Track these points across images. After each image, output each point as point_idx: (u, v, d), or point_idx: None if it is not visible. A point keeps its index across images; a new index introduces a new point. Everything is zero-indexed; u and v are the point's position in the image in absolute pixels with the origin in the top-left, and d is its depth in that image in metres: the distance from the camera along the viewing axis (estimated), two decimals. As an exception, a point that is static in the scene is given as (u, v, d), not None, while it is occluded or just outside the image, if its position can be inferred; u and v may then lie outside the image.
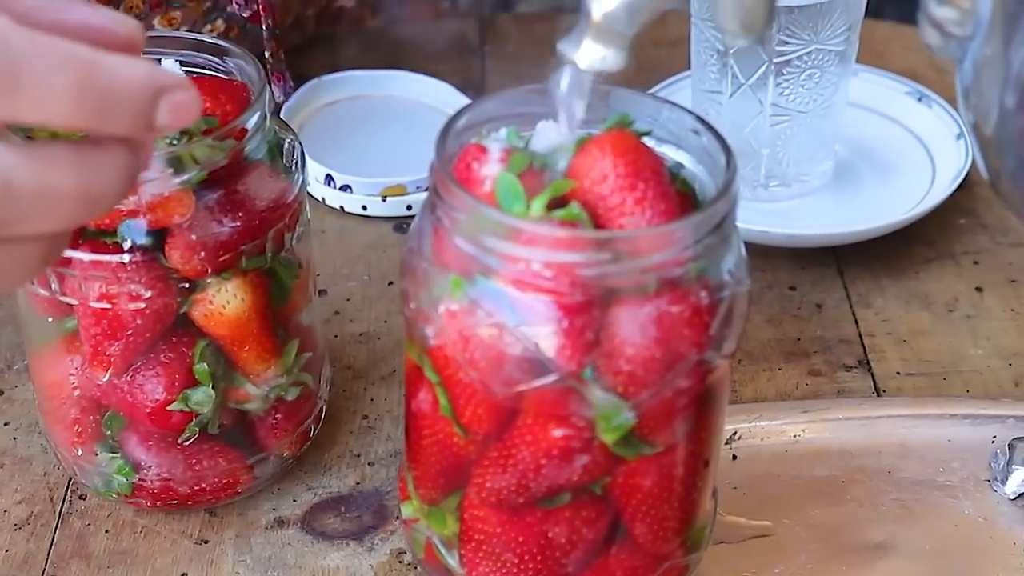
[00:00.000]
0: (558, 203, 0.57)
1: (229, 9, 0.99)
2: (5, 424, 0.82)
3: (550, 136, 0.60)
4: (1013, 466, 0.76)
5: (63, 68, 0.49)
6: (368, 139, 1.03)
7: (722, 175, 0.59)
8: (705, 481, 0.65)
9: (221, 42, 0.73)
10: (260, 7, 0.98)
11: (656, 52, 1.10)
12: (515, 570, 0.63)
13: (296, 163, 0.73)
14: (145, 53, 0.69)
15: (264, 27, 0.99)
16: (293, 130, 0.74)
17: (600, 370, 0.57)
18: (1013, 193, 0.55)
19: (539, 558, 0.62)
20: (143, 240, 0.67)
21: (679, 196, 0.59)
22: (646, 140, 0.60)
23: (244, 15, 0.99)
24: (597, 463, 0.60)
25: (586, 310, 0.56)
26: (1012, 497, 0.76)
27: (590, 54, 0.58)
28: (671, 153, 0.62)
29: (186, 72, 0.70)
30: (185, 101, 0.51)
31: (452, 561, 0.64)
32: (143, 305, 0.68)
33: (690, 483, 0.63)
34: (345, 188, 0.97)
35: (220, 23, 1.00)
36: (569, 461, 0.59)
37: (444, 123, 0.62)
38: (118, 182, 0.52)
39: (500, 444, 0.60)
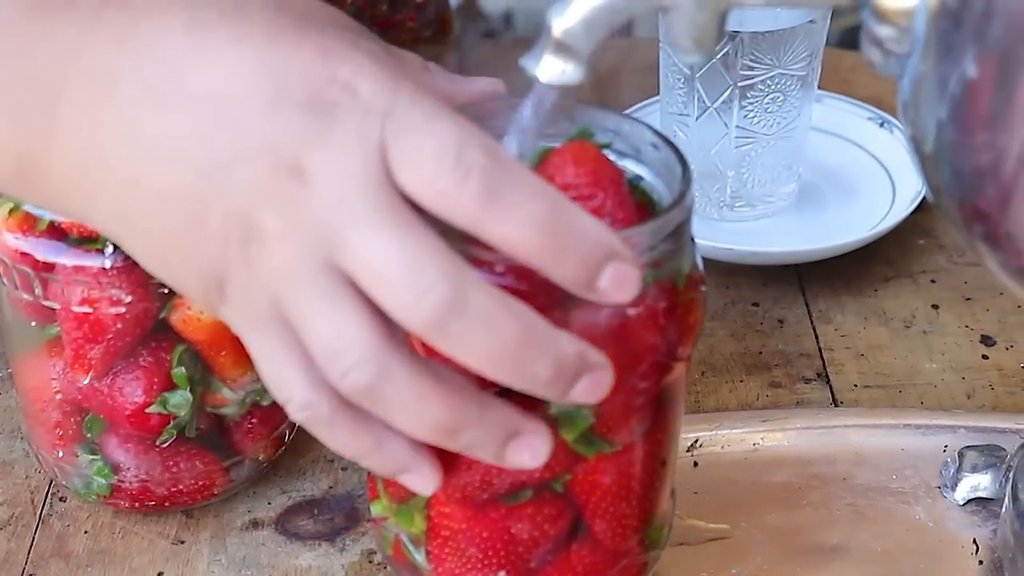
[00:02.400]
0: None
1: None
2: (-11, 429, 0.85)
3: (512, 149, 0.62)
4: (962, 473, 0.78)
5: (538, 199, 0.53)
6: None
7: (678, 185, 0.61)
8: (663, 480, 0.67)
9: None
10: None
11: (628, 77, 1.13)
12: (479, 565, 0.65)
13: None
14: None
15: None
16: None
17: None
18: (951, 206, 0.58)
19: (503, 553, 0.64)
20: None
21: (638, 206, 0.62)
22: (607, 152, 0.62)
23: None
24: (557, 460, 0.62)
25: (546, 313, 0.58)
26: (961, 503, 0.78)
27: (550, 68, 0.60)
28: (631, 166, 0.64)
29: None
30: (628, 274, 0.54)
31: (419, 558, 0.66)
32: (124, 310, 0.70)
33: (648, 482, 0.65)
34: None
35: None
36: None
37: None
38: (553, 352, 0.54)
39: None
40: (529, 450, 0.56)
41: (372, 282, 0.52)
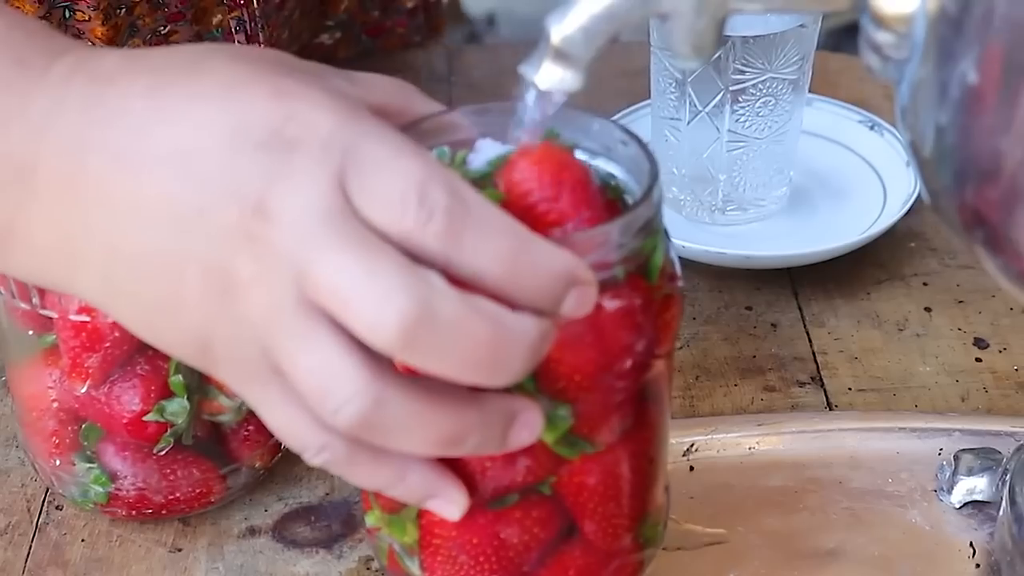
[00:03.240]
0: None
1: None
2: (-16, 438, 0.85)
3: (489, 153, 0.62)
4: (958, 477, 0.78)
5: (500, 236, 0.53)
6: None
7: (645, 181, 0.61)
8: (653, 478, 0.67)
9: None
10: (261, 46, 1.01)
11: (619, 82, 1.13)
12: (471, 572, 0.64)
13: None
14: None
15: None
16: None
17: (536, 372, 0.58)
18: (950, 210, 0.58)
19: (493, 559, 0.64)
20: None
21: (610, 204, 0.62)
22: (576, 152, 0.62)
23: None
24: (540, 463, 0.62)
25: None
26: (957, 506, 0.78)
27: (549, 75, 0.60)
28: (603, 164, 0.64)
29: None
30: (588, 297, 0.55)
31: (414, 567, 0.66)
32: (121, 318, 0.71)
33: (636, 480, 0.65)
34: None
35: None
36: (511, 463, 0.61)
37: None
38: (525, 348, 0.54)
39: None
40: (527, 428, 0.57)
41: (339, 307, 0.52)
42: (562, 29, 0.60)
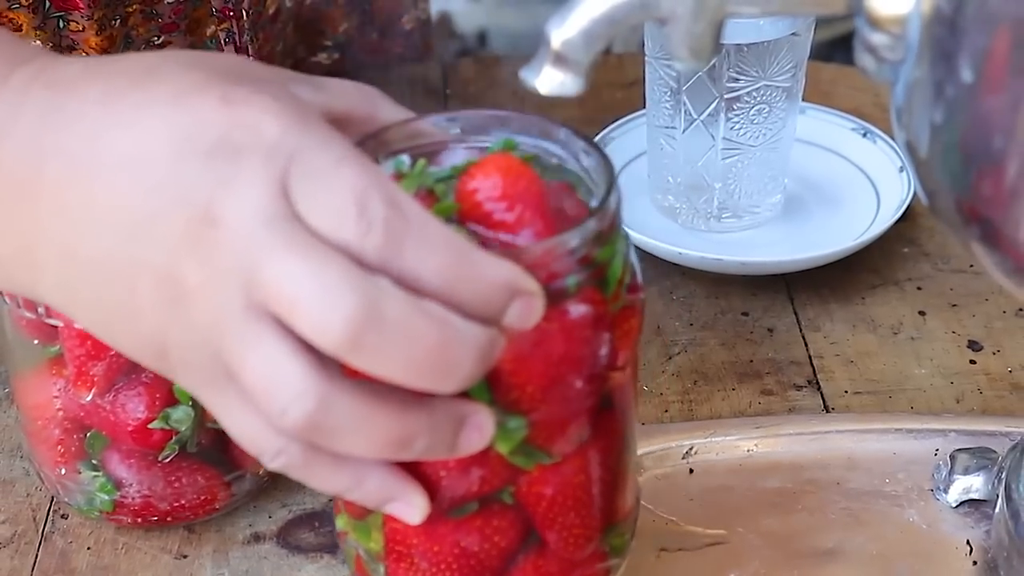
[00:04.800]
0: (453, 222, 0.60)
1: None
2: (-12, 448, 0.85)
3: (453, 161, 0.62)
4: (954, 476, 0.79)
5: (442, 249, 0.54)
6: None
7: (601, 192, 0.61)
8: (616, 488, 0.66)
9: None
10: (251, 58, 1.02)
11: (613, 93, 1.14)
12: None
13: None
14: None
15: None
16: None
17: (489, 382, 0.58)
18: (946, 209, 0.59)
19: (455, 567, 0.64)
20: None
21: (573, 211, 0.61)
22: (535, 161, 0.62)
23: None
24: (496, 473, 0.61)
25: None
26: (954, 505, 0.79)
27: (550, 80, 0.61)
28: (573, 170, 0.64)
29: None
30: (533, 307, 0.56)
31: (378, 574, 0.66)
32: (126, 326, 0.71)
33: (598, 491, 0.65)
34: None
35: None
36: (466, 472, 0.61)
37: None
38: (474, 352, 0.54)
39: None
40: (478, 431, 0.57)
41: (286, 309, 0.52)
42: (562, 33, 0.61)
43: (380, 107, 0.63)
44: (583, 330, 0.59)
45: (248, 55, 1.02)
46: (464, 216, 0.59)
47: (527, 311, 0.55)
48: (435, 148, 0.64)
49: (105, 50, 0.95)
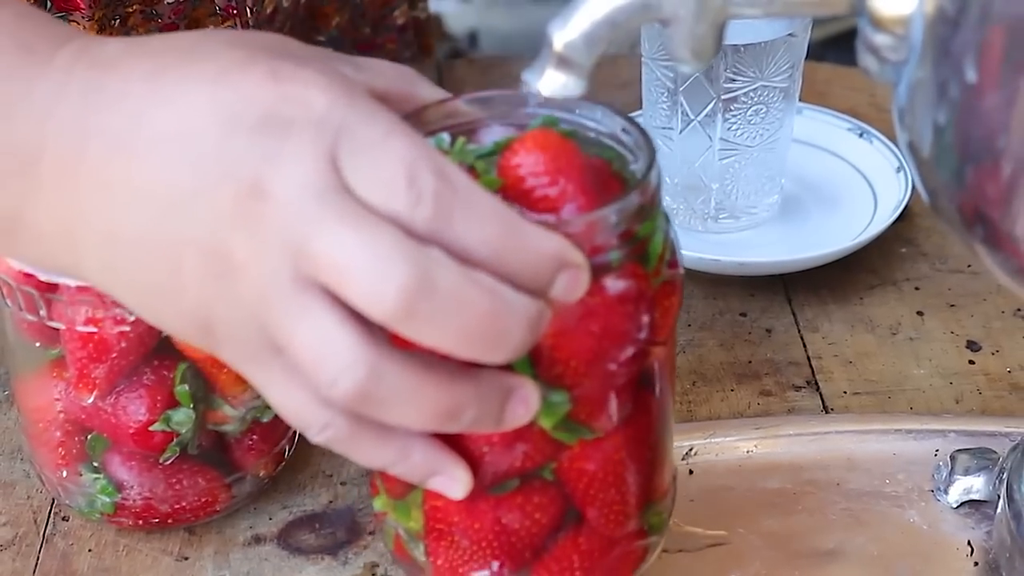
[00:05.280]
0: None
1: None
2: (-12, 450, 0.85)
3: (493, 137, 0.63)
4: (955, 477, 0.79)
5: (489, 220, 0.54)
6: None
7: (643, 167, 0.62)
8: (655, 465, 0.67)
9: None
10: None
11: (608, 93, 1.14)
12: (474, 557, 0.65)
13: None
14: None
15: None
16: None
17: (533, 357, 0.59)
18: (949, 208, 0.59)
19: (495, 544, 0.64)
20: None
21: (612, 186, 0.62)
22: (577, 137, 0.63)
23: None
24: (538, 449, 0.62)
25: None
26: (954, 506, 0.79)
27: (552, 81, 0.61)
28: (611, 146, 0.65)
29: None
30: (579, 280, 0.56)
31: (418, 553, 0.66)
32: (127, 329, 0.71)
33: (638, 467, 0.66)
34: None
35: None
36: (510, 448, 0.61)
37: None
38: (524, 323, 0.55)
39: (445, 434, 0.61)
40: (524, 404, 0.58)
41: (337, 279, 0.53)
42: (564, 35, 0.61)
43: (418, 87, 0.64)
44: (625, 305, 0.60)
45: None
46: (507, 191, 0.60)
47: (574, 283, 0.56)
48: (473, 126, 0.64)
49: None
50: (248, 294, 0.54)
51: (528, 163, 0.60)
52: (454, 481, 0.60)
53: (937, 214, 0.61)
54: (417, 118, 0.62)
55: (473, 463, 0.61)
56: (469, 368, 0.56)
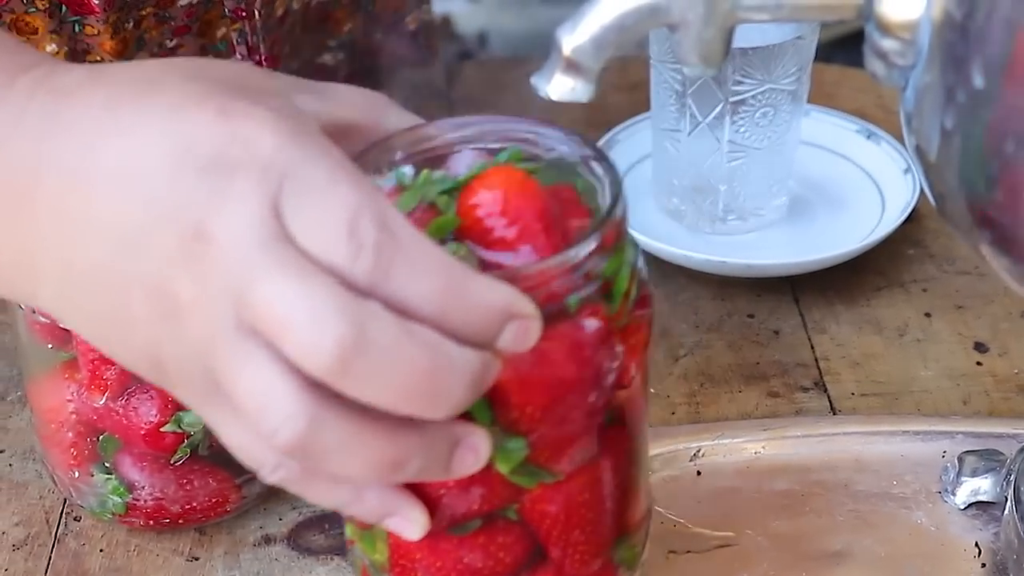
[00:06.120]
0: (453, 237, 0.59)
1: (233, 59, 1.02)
2: (0, 452, 0.85)
3: (462, 168, 0.61)
4: (962, 478, 0.79)
5: (434, 273, 0.53)
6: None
7: (606, 204, 0.60)
8: (624, 503, 0.65)
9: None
10: (263, 59, 1.02)
11: (617, 96, 1.15)
12: None
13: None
14: None
15: None
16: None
17: (490, 400, 0.57)
18: (956, 212, 0.59)
19: None
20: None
21: (584, 215, 0.60)
22: (541, 171, 0.61)
23: None
24: (497, 492, 0.61)
25: None
26: (962, 507, 0.79)
27: (561, 86, 0.62)
28: (584, 176, 0.62)
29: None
30: (529, 331, 0.55)
31: None
32: (139, 330, 0.72)
33: (604, 506, 0.64)
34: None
35: None
36: (467, 491, 0.60)
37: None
38: (465, 379, 0.53)
39: None
40: (472, 453, 0.56)
41: (275, 331, 0.52)
42: (573, 40, 0.61)
43: (388, 114, 0.62)
44: (586, 349, 0.58)
45: (260, 55, 1.02)
46: (464, 231, 0.58)
47: (522, 335, 0.54)
48: (443, 153, 0.63)
49: (119, 53, 0.95)
50: (194, 336, 0.54)
51: (487, 202, 0.58)
52: (410, 522, 0.59)
53: (944, 218, 0.61)
54: (383, 148, 0.61)
55: (430, 505, 0.60)
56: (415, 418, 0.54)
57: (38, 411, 0.78)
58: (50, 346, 0.74)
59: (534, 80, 0.63)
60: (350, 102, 0.61)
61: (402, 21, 1.20)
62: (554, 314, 0.56)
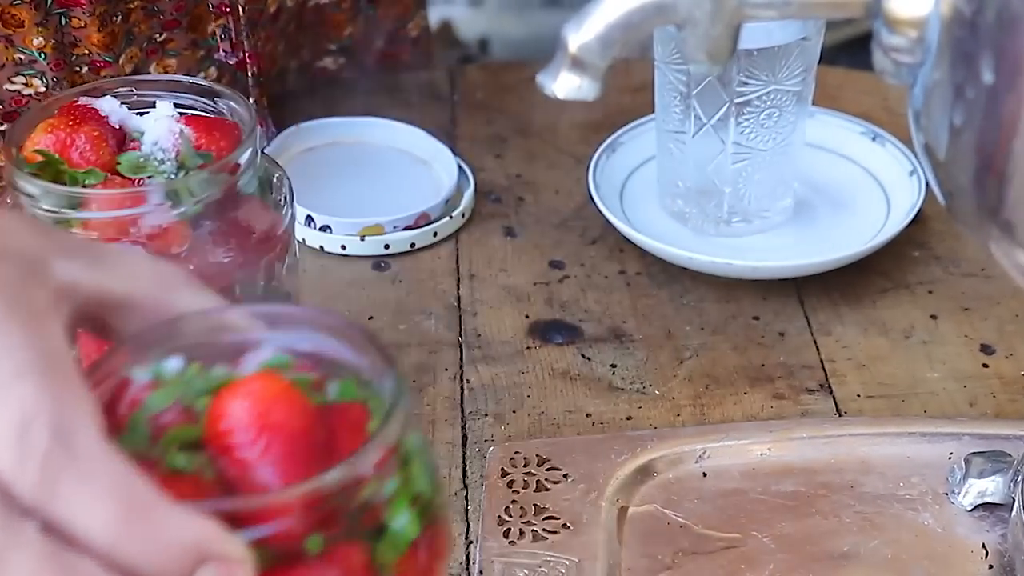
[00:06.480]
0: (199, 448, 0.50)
1: (216, 56, 1.02)
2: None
3: (250, 367, 0.53)
4: (969, 479, 0.79)
5: (110, 497, 0.45)
6: (345, 182, 1.07)
7: (381, 417, 0.51)
8: None
9: (213, 84, 0.77)
10: (247, 55, 1.02)
11: (620, 98, 1.14)
12: None
13: (285, 197, 0.76)
14: (141, 96, 0.74)
15: (249, 74, 1.03)
16: (282, 167, 0.78)
17: None
18: (966, 210, 0.59)
19: None
20: (142, 269, 0.70)
21: (360, 439, 0.51)
22: (308, 377, 0.52)
23: (230, 62, 1.02)
24: None
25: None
26: (969, 509, 0.79)
27: (567, 84, 0.61)
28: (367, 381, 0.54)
29: (180, 112, 0.74)
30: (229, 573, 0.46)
31: None
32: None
33: None
34: (325, 228, 1.01)
35: (213, 71, 1.03)
36: None
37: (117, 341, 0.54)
38: None
39: None
40: None
41: None
42: (579, 38, 0.61)
43: (180, 292, 0.54)
44: None
45: (245, 51, 1.02)
46: (208, 444, 0.50)
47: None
48: (239, 346, 0.53)
49: (107, 46, 0.95)
50: None
51: (235, 415, 0.50)
52: None
53: (953, 216, 0.61)
54: (161, 332, 0.53)
55: None
56: None
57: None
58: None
59: (540, 78, 0.62)
60: (131, 274, 0.54)
61: (404, 28, 1.20)
62: (289, 555, 0.48)
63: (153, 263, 0.55)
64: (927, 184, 1.00)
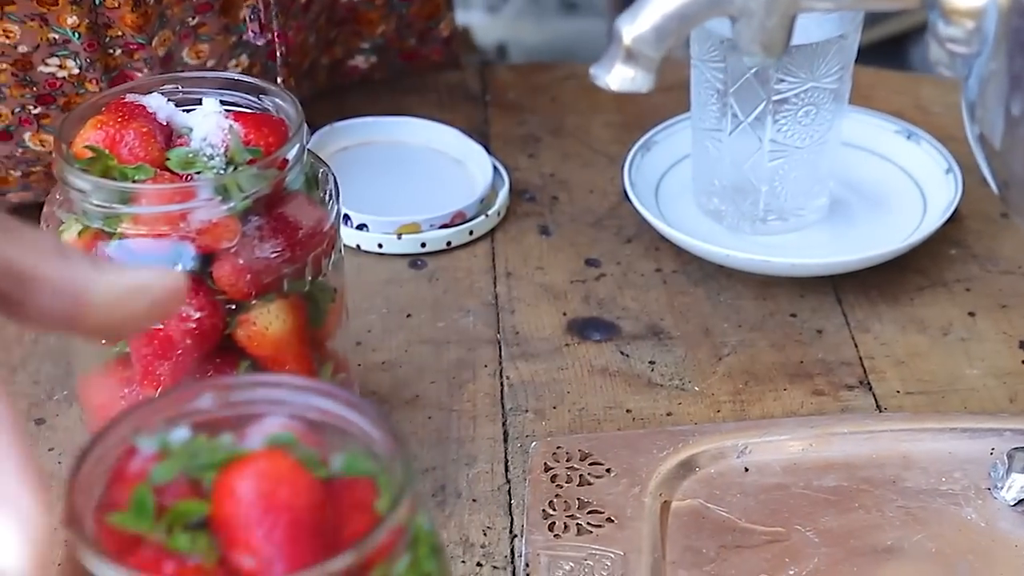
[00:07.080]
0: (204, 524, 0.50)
1: (245, 37, 1.02)
2: (50, 450, 0.85)
3: (256, 441, 0.52)
4: (1012, 474, 0.79)
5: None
6: (381, 181, 1.07)
7: (388, 501, 0.50)
8: None
9: (259, 81, 0.77)
10: (275, 35, 1.02)
11: (651, 98, 1.14)
12: None
13: (331, 193, 0.77)
14: (187, 92, 0.74)
15: (278, 54, 1.03)
16: (327, 163, 0.78)
17: None
18: (1021, 200, 0.59)
19: None
20: (192, 264, 0.71)
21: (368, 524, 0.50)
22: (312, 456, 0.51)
23: (258, 43, 1.02)
24: None
25: None
26: (1012, 503, 0.79)
27: (621, 76, 0.62)
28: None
29: (227, 109, 0.75)
30: None
31: None
32: (193, 326, 0.72)
33: None
34: (362, 227, 1.01)
35: (244, 59, 1.03)
36: None
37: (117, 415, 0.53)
38: None
39: None
40: None
41: None
42: (634, 29, 0.61)
43: (83, 268, 0.51)
44: None
45: (274, 35, 1.02)
46: (213, 521, 0.49)
47: None
48: (244, 417, 0.53)
49: (140, 28, 0.95)
50: None
51: (239, 492, 0.49)
52: None
53: (1007, 206, 0.61)
54: (170, 400, 0.53)
55: None
56: None
57: (89, 408, 0.78)
58: (102, 341, 0.74)
59: (593, 70, 0.63)
60: (37, 248, 0.51)
61: (436, 28, 1.20)
62: None
63: (58, 242, 0.56)
64: (963, 181, 1.00)
